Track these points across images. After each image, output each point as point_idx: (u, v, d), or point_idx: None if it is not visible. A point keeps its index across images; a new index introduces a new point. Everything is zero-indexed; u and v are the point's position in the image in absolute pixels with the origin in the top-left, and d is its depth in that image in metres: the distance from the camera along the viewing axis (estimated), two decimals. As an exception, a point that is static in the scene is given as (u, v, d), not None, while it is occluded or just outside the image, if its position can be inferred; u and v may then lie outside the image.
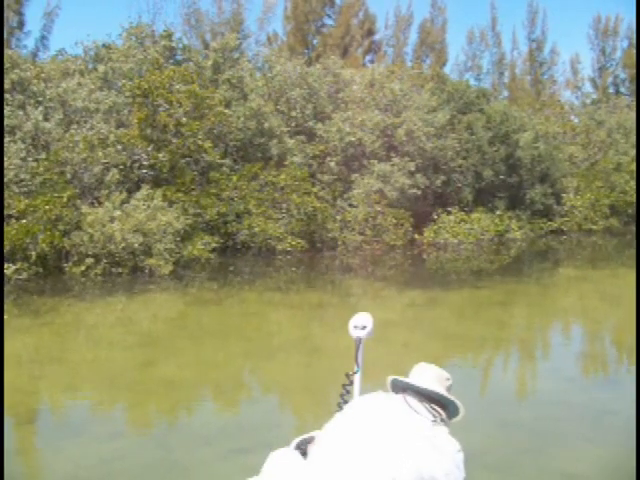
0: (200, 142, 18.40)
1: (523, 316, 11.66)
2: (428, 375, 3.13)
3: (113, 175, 16.62)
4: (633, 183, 26.82)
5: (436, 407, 3.01)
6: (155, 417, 6.41)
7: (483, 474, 4.56)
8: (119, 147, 17.30)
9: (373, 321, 3.64)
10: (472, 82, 34.51)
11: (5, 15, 26.01)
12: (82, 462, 5.05)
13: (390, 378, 3.15)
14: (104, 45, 21.73)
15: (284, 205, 19.00)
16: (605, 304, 12.59)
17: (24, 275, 13.79)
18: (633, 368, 8.11)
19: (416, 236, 21.19)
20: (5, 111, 16.68)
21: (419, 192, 21.13)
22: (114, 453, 5.20)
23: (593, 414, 5.97)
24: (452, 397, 3.09)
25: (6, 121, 16.44)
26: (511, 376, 7.98)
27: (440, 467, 2.70)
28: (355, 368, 3.53)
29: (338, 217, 19.49)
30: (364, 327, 3.56)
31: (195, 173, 18.62)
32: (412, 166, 20.90)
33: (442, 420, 2.94)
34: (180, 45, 23.38)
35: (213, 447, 5.28)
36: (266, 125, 20.50)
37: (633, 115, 31.23)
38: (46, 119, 17.49)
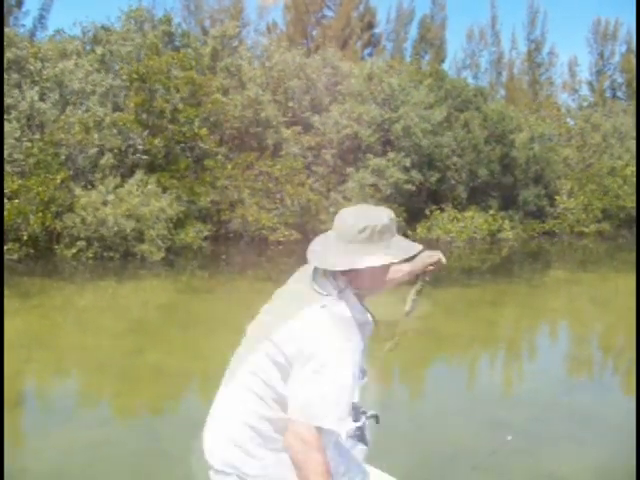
0: (196, 129, 18.34)
1: (513, 316, 11.68)
2: (330, 240, 2.38)
3: (108, 159, 16.55)
4: (626, 187, 26.89)
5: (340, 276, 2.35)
6: (143, 405, 6.39)
7: (472, 475, 4.57)
8: (114, 131, 17.22)
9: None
10: (470, 80, 34.56)
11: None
12: (69, 448, 5.02)
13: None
14: (103, 27, 21.58)
15: (278, 195, 18.99)
16: (595, 307, 12.63)
17: (15, 256, 13.74)
18: (621, 370, 8.15)
19: (409, 232, 21.20)
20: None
21: (413, 188, 21.14)
22: (102, 440, 5.18)
23: (581, 416, 5.99)
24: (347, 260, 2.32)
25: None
26: (499, 376, 8.00)
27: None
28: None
29: (332, 209, 19.47)
30: None
31: (190, 160, 18.56)
32: (407, 162, 20.90)
33: (340, 292, 2.32)
34: (179, 31, 23.26)
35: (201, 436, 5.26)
36: (263, 115, 20.45)
37: (629, 120, 31.31)
38: (42, 99, 17.39)
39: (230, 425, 2.34)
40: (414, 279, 2.93)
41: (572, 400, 6.51)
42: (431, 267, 2.92)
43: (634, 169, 26.13)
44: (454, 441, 5.23)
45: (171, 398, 6.60)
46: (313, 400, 2.12)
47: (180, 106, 18.23)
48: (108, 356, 7.76)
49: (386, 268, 2.40)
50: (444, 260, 2.94)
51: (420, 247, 2.48)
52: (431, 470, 4.73)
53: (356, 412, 2.59)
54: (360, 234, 2.30)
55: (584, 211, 26.09)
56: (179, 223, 16.46)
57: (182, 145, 18.45)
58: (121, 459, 4.86)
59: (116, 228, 14.67)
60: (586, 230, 25.88)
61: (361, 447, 2.60)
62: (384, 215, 2.36)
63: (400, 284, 2.93)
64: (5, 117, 16.08)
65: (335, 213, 2.47)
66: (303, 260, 2.45)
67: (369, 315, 2.44)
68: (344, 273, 2.32)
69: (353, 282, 2.35)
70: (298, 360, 2.17)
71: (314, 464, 2.06)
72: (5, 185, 14.39)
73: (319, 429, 2.11)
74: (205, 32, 28.93)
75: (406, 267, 2.84)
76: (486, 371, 8.30)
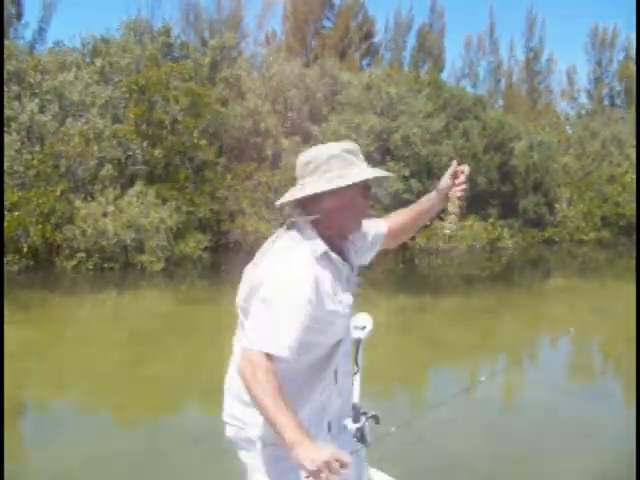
0: (195, 140, 18.37)
1: (513, 324, 11.68)
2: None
3: (107, 170, 16.58)
4: (626, 195, 26.89)
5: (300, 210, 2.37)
6: (143, 415, 6.39)
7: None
8: (114, 142, 17.26)
9: (373, 321, 3.62)
10: (468, 89, 34.57)
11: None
12: (68, 459, 5.02)
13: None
14: (102, 39, 21.66)
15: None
16: (595, 315, 12.61)
17: (15, 268, 13.75)
18: (621, 378, 8.15)
19: (408, 241, 21.20)
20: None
21: (413, 197, 21.15)
22: (101, 451, 5.18)
23: (581, 425, 5.98)
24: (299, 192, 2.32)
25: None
26: (499, 385, 7.99)
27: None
28: (355, 369, 3.51)
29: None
30: (364, 327, 3.53)
31: (189, 171, 18.59)
32: (406, 171, 20.93)
33: (307, 238, 2.30)
34: (178, 42, 23.34)
35: (201, 446, 5.27)
36: (262, 125, 20.48)
37: (627, 127, 31.34)
38: (42, 111, 17.43)
39: (229, 379, 2.44)
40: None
41: (573, 409, 6.51)
42: (458, 184, 2.80)
43: (633, 176, 26.12)
44: (453, 451, 5.23)
45: (171, 409, 6.61)
46: (259, 326, 2.13)
47: (179, 117, 18.28)
48: (108, 367, 7.76)
49: (345, 201, 2.29)
50: (461, 167, 2.82)
51: (377, 173, 2.36)
52: None
53: (356, 412, 2.61)
54: (306, 167, 2.31)
55: (583, 219, 26.08)
56: (179, 234, 16.48)
57: (181, 156, 18.48)
58: (121, 470, 4.86)
59: (116, 239, 14.69)
60: (585, 238, 25.86)
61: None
62: (335, 146, 2.34)
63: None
64: (5, 129, 16.13)
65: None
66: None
67: (342, 260, 2.33)
68: (308, 221, 2.30)
69: (319, 226, 2.31)
70: (253, 295, 2.24)
71: (262, 384, 2.03)
72: (5, 197, 14.42)
73: (269, 356, 2.08)
74: (204, 43, 28.99)
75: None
76: (486, 379, 8.28)
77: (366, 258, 2.65)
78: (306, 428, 1.97)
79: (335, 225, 2.34)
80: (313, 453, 1.85)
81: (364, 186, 2.32)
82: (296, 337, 2.14)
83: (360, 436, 2.68)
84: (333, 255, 2.30)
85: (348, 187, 2.25)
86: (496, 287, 15.50)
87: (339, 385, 2.45)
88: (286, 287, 2.16)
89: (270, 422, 1.98)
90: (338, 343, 2.37)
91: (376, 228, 2.64)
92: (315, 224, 2.31)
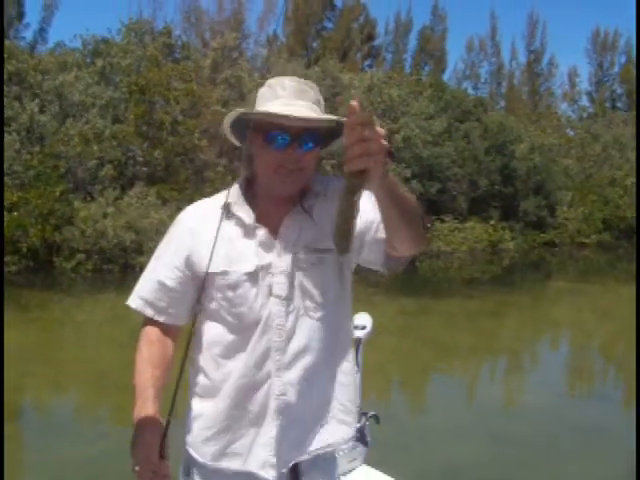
0: (196, 141, 18.32)
1: (514, 327, 11.64)
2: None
3: (107, 171, 16.53)
4: (627, 198, 26.89)
5: None
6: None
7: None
8: (114, 143, 17.21)
9: (372, 321, 3.58)
10: (470, 91, 34.65)
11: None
12: (67, 462, 4.97)
13: None
14: (103, 40, 21.62)
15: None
16: (596, 317, 12.58)
17: (14, 268, 13.69)
18: (623, 382, 8.10)
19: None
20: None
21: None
22: (100, 454, 5.13)
23: (584, 428, 5.93)
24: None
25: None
26: (501, 388, 7.94)
27: None
28: (355, 369, 3.46)
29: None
30: (364, 327, 3.49)
31: (190, 172, 18.53)
32: (408, 173, 20.88)
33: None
34: (179, 43, 23.31)
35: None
36: (263, 126, 20.43)
37: (629, 130, 31.33)
38: (42, 112, 17.39)
39: None
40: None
41: (575, 412, 6.46)
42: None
43: (634, 179, 26.12)
44: (455, 454, 5.17)
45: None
46: None
47: (180, 118, 18.24)
48: (107, 369, 7.71)
49: (253, 147, 1.86)
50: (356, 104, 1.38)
51: (280, 109, 1.77)
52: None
53: (356, 413, 2.54)
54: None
55: (585, 221, 26.07)
56: (179, 235, 16.42)
57: (182, 157, 18.42)
58: (120, 473, 4.80)
59: (115, 240, 14.63)
60: (587, 240, 25.83)
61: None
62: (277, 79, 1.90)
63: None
64: (5, 129, 16.09)
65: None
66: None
67: (255, 222, 1.86)
68: (245, 176, 1.96)
69: (253, 185, 1.93)
70: None
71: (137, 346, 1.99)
72: (5, 197, 14.38)
73: (145, 317, 1.99)
74: (205, 44, 28.97)
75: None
76: (487, 382, 8.24)
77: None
78: (156, 414, 1.88)
79: (260, 181, 1.91)
80: (141, 454, 1.84)
81: (267, 130, 1.79)
82: (152, 288, 1.95)
83: (360, 436, 2.63)
84: (234, 210, 1.87)
85: (251, 128, 1.81)
86: (497, 289, 15.46)
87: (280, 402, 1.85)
88: (162, 242, 2.06)
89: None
90: (256, 325, 1.84)
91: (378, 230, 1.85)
92: (250, 183, 1.94)
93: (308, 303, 1.86)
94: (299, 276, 1.84)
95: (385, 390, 7.04)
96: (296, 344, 1.84)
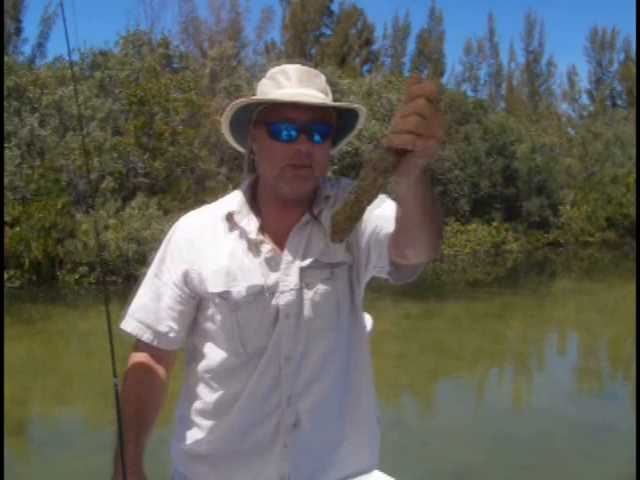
0: (196, 150, 18.35)
1: (519, 328, 11.58)
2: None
3: (108, 183, 16.55)
4: (630, 195, 26.83)
5: None
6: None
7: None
8: (115, 155, 17.23)
9: (372, 322, 3.55)
10: (469, 93, 34.61)
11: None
12: (72, 475, 4.95)
13: None
14: (101, 52, 21.66)
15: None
16: (602, 317, 12.52)
17: (17, 283, 13.69)
18: (630, 382, 8.04)
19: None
20: None
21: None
22: (105, 466, 5.09)
23: (591, 429, 5.89)
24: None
25: (1, 127, 16.38)
26: (507, 390, 7.90)
27: None
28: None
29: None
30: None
31: (191, 182, 18.54)
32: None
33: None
34: (177, 53, 23.35)
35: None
36: (263, 134, 20.43)
37: (630, 128, 31.29)
38: (42, 126, 17.42)
39: None
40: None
41: (582, 413, 6.41)
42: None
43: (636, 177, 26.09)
44: (462, 457, 5.13)
45: (174, 422, 6.51)
46: None
47: (180, 128, 18.26)
48: (111, 381, 7.67)
49: (257, 142, 1.68)
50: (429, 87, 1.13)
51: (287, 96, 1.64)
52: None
53: None
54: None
55: (588, 220, 26.01)
56: (181, 245, 16.40)
57: (182, 167, 18.44)
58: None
59: (118, 252, 14.63)
60: (591, 239, 25.78)
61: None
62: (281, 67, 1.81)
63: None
64: (5, 145, 16.11)
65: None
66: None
67: (258, 232, 1.68)
68: (251, 177, 1.78)
69: (257, 190, 1.75)
70: None
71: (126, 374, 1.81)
72: (6, 212, 14.38)
73: (137, 341, 1.82)
74: (204, 53, 29.03)
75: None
76: (494, 384, 8.20)
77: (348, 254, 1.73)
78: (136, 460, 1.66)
79: (265, 184, 1.72)
80: None
81: (270, 123, 1.63)
82: (149, 309, 1.76)
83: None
84: (237, 221, 1.70)
85: (253, 122, 1.67)
86: (502, 291, 15.41)
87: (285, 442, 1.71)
88: (158, 253, 1.81)
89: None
90: (262, 351, 1.68)
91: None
92: (257, 186, 1.76)
93: (320, 323, 1.68)
94: (309, 294, 1.67)
95: (392, 394, 7.00)
96: (309, 369, 1.68)
